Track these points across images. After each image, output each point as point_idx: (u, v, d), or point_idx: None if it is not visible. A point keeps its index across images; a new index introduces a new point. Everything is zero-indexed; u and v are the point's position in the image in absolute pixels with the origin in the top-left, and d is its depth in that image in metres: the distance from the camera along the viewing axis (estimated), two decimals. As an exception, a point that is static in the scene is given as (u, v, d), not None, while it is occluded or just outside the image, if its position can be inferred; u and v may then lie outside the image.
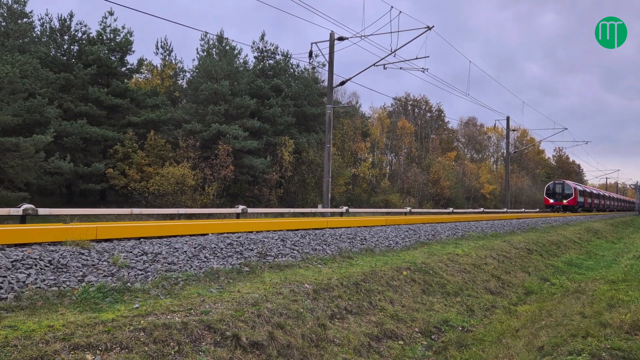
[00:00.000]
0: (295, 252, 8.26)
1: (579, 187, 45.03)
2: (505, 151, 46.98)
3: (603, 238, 24.58)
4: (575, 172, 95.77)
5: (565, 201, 41.93)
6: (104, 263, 5.65)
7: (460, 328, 7.10)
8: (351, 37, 21.06)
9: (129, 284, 5.32)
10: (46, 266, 5.20)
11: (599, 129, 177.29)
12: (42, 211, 9.37)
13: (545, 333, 6.23)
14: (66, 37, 30.54)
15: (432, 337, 6.63)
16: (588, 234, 23.95)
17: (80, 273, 5.28)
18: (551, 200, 42.78)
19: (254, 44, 38.94)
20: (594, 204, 50.91)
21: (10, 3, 27.13)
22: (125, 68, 32.22)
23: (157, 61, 45.19)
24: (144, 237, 7.21)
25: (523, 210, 42.86)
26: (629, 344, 4.85)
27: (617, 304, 6.78)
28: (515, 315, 8.23)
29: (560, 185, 43.38)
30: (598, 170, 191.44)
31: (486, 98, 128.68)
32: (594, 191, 54.00)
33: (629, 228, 34.72)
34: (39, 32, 29.98)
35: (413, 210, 24.95)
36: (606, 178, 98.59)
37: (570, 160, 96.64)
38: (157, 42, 40.34)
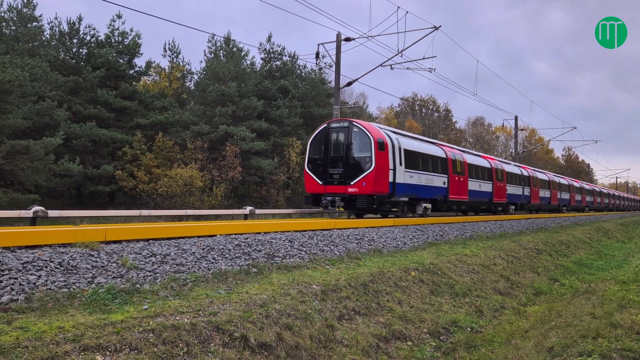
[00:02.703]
0: (303, 253, 8.26)
1: (402, 144, 15.10)
2: (513, 151, 46.67)
3: (613, 238, 24.35)
4: (584, 172, 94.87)
5: (351, 183, 13.78)
6: (113, 264, 5.69)
7: (469, 329, 7.06)
8: (358, 38, 21.05)
9: (137, 285, 5.35)
10: (56, 268, 5.24)
11: (608, 128, 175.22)
12: (52, 213, 9.48)
13: (555, 334, 6.19)
14: (75, 41, 30.83)
15: (441, 338, 6.61)
16: (598, 233, 23.74)
17: (90, 274, 5.32)
18: (320, 182, 14.55)
19: (260, 45, 39.07)
20: (502, 193, 22.95)
21: (20, 7, 27.46)
22: (133, 70, 32.47)
23: (164, 63, 45.46)
24: (152, 239, 7.24)
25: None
26: (640, 345, 4.80)
27: (628, 305, 6.73)
28: (524, 316, 8.18)
29: (344, 134, 14.40)
30: (608, 170, 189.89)
31: (494, 97, 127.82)
32: (507, 168, 24.59)
33: (640, 228, 34.36)
34: (48, 36, 30.27)
35: (421, 210, 24.76)
36: (616, 177, 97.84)
37: (580, 159, 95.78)
38: (165, 45, 40.60)
